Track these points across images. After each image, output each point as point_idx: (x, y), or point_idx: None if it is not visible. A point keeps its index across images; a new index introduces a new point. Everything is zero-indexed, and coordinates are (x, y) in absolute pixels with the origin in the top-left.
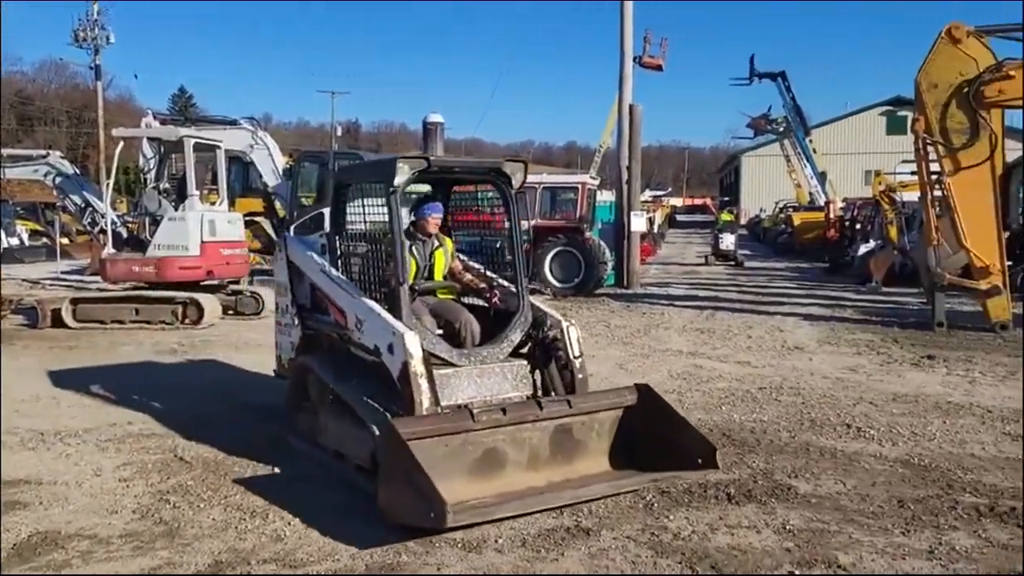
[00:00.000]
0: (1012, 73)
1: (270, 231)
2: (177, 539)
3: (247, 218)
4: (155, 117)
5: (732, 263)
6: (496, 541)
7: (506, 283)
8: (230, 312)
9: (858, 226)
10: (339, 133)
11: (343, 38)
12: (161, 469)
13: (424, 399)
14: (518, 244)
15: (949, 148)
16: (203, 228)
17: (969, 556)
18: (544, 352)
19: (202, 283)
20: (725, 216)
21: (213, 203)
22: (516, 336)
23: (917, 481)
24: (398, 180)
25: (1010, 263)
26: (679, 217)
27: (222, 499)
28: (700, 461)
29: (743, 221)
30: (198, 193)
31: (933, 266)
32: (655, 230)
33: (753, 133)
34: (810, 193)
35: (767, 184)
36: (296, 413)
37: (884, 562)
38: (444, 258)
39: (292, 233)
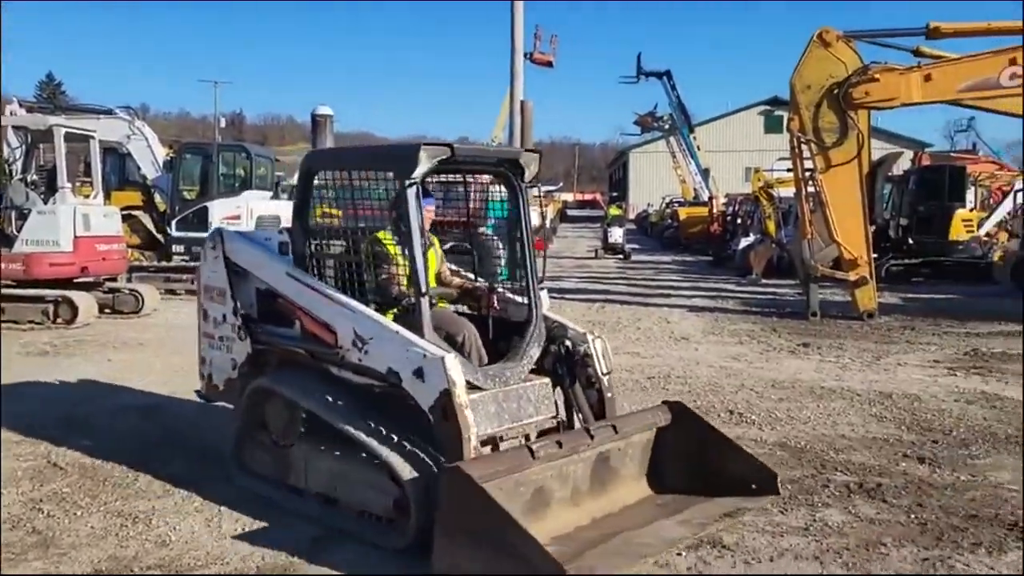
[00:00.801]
0: (877, 76)
1: (149, 226)
2: (52, 549)
3: (125, 212)
4: (20, 105)
5: (620, 256)
6: None
7: (500, 288)
8: (107, 311)
9: (739, 221)
10: (223, 124)
11: (226, 25)
12: (33, 476)
13: (473, 435)
14: (529, 244)
15: (821, 146)
16: (76, 222)
17: (841, 531)
18: (570, 369)
19: (76, 280)
20: (613, 211)
21: (87, 196)
22: (535, 352)
23: (793, 462)
24: (420, 170)
25: (876, 255)
26: (570, 212)
27: (101, 505)
28: (755, 487)
29: (631, 216)
30: (70, 185)
31: (807, 258)
32: (547, 225)
33: (640, 130)
34: (694, 189)
35: (654, 180)
36: (245, 447)
37: (765, 540)
38: (436, 260)
39: (175, 228)
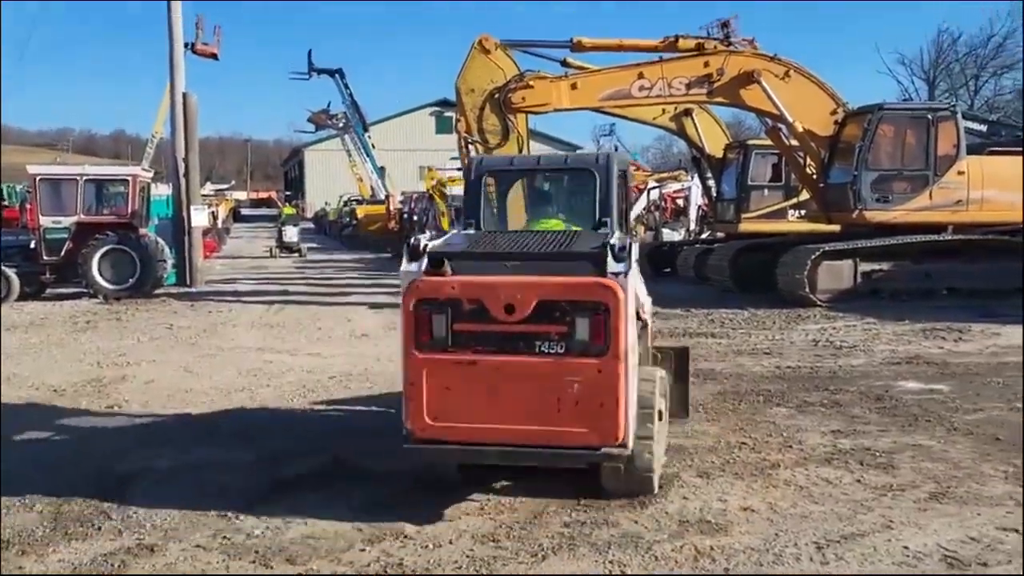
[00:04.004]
0: (532, 83)
1: None
2: None
3: None
4: None
5: (296, 254)
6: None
7: None
8: None
9: (415, 218)
10: None
11: None
12: None
13: None
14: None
15: (486, 147)
16: None
17: (512, 506)
18: None
19: None
20: (288, 210)
21: None
22: None
23: None
24: None
25: None
26: (244, 211)
27: None
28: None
29: (309, 214)
30: None
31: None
32: (219, 225)
33: (315, 127)
34: (371, 187)
35: (331, 178)
36: None
37: (444, 524)
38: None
39: None
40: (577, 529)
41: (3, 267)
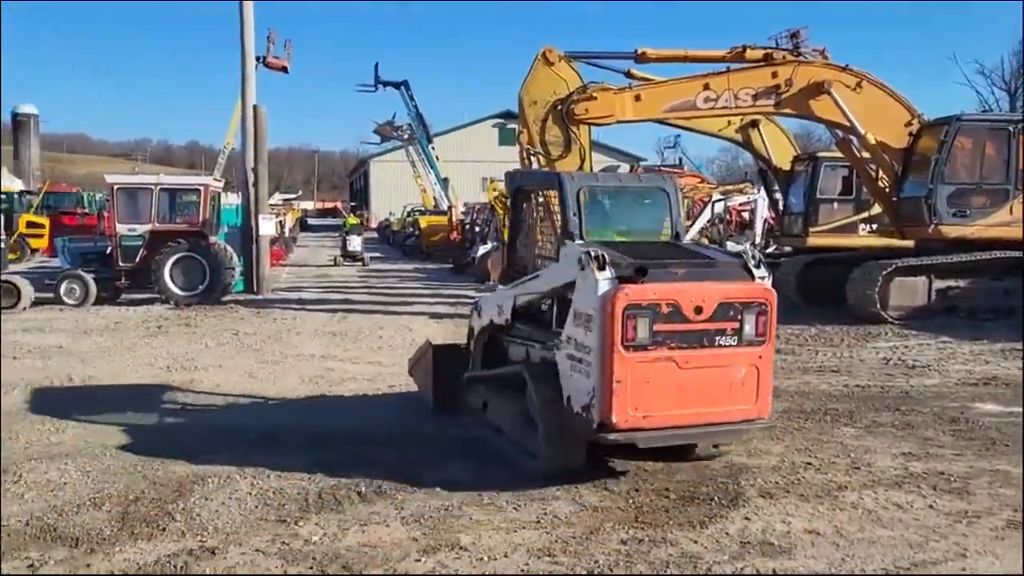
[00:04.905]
0: (595, 95)
1: None
2: None
3: None
4: None
5: (360, 263)
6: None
7: None
8: None
9: (477, 229)
10: None
11: None
12: None
13: None
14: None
15: (548, 158)
16: None
17: (569, 521)
18: None
19: None
20: (351, 220)
21: None
22: None
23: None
24: None
25: None
26: (310, 221)
27: None
28: None
29: (374, 224)
30: None
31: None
32: (286, 234)
33: (380, 139)
34: (434, 198)
35: (395, 188)
36: None
37: (500, 537)
38: None
39: None
40: (634, 547)
41: (81, 272)
